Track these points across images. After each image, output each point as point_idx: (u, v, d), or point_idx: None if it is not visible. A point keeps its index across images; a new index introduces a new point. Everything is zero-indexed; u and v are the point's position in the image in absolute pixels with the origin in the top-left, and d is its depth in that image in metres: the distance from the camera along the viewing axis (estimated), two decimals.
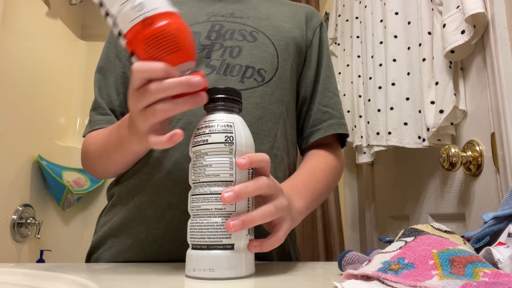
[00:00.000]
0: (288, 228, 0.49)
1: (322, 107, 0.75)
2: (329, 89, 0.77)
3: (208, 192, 0.44)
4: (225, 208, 0.43)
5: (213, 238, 0.42)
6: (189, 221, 0.45)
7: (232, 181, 0.44)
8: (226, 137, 0.44)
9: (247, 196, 0.44)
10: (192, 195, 0.45)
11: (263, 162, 0.45)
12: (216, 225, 0.43)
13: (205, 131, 0.45)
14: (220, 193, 0.43)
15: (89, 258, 0.71)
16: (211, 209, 0.43)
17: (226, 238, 0.42)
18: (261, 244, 0.45)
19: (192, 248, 0.44)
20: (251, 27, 0.72)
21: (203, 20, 0.72)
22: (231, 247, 0.42)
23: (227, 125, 0.45)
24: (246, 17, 0.73)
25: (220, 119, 0.45)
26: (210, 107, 0.47)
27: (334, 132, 0.73)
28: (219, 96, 0.47)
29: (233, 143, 0.44)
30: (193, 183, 0.46)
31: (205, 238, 0.43)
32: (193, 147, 0.46)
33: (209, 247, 0.42)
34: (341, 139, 0.77)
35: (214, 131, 0.45)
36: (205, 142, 0.45)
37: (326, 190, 0.70)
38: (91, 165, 0.70)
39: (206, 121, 0.46)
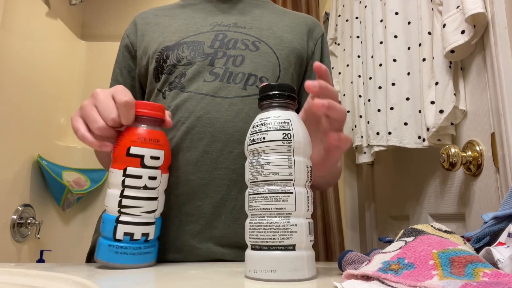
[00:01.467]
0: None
1: None
2: None
3: (267, 191, 0.42)
4: (285, 208, 0.42)
5: (274, 238, 0.41)
6: (248, 221, 0.45)
7: (291, 180, 0.43)
8: (284, 135, 0.43)
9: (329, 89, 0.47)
10: (250, 194, 0.44)
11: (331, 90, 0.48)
12: (277, 225, 0.41)
13: (261, 129, 0.44)
14: (279, 192, 0.42)
15: (90, 258, 0.72)
16: (271, 208, 0.42)
17: (287, 238, 0.41)
18: (339, 138, 0.48)
19: (252, 249, 0.43)
20: (253, 37, 0.74)
21: (207, 30, 0.74)
22: (292, 248, 0.41)
23: (284, 122, 0.44)
24: (249, 27, 0.75)
25: (276, 116, 0.44)
26: (265, 104, 0.46)
27: None
28: (274, 92, 0.45)
29: (291, 140, 0.43)
30: (251, 182, 0.45)
31: (265, 238, 0.42)
32: (249, 145, 0.45)
33: (270, 247, 0.41)
34: None
35: (271, 129, 0.43)
36: (262, 140, 0.44)
37: (334, 174, 0.72)
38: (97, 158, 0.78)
39: (262, 119, 0.45)
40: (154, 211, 0.53)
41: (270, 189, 0.42)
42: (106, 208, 0.53)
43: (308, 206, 0.44)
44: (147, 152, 0.52)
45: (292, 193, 0.42)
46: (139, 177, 0.52)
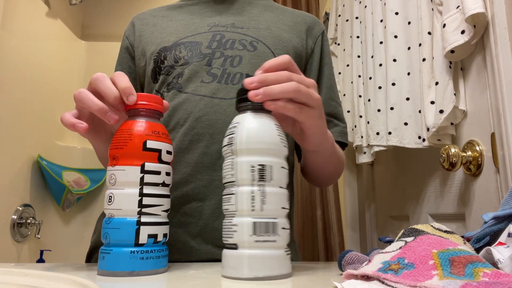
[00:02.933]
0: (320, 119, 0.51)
1: (326, 116, 0.76)
2: (333, 99, 0.79)
3: (223, 194, 0.47)
4: (228, 209, 0.45)
5: (224, 237, 0.45)
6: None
7: (234, 181, 0.44)
8: (229, 139, 0.46)
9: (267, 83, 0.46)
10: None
11: (282, 64, 0.48)
12: (224, 225, 0.46)
13: (225, 135, 0.48)
14: (225, 194, 0.46)
15: (89, 259, 0.72)
16: (224, 210, 0.46)
17: (230, 237, 0.44)
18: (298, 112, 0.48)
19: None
20: (251, 37, 0.73)
21: (205, 30, 0.74)
22: (234, 246, 0.44)
23: (233, 126, 0.46)
24: (247, 28, 0.74)
25: (232, 121, 0.47)
26: (238, 108, 0.49)
27: (336, 138, 0.75)
28: (240, 97, 0.48)
29: (233, 143, 0.45)
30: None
31: (223, 237, 0.46)
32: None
33: (223, 246, 0.46)
34: (342, 145, 0.79)
35: (226, 134, 0.47)
36: (223, 145, 0.48)
37: (336, 162, 0.71)
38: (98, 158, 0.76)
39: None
40: (168, 210, 0.51)
41: (224, 192, 0.47)
42: (117, 212, 0.47)
43: (253, 206, 0.43)
44: (163, 146, 0.49)
45: (233, 194, 0.45)
46: (158, 173, 0.48)
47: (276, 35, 0.74)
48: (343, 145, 0.79)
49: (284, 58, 0.49)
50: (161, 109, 0.51)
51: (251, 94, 0.45)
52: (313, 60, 0.78)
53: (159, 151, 0.49)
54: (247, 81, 0.45)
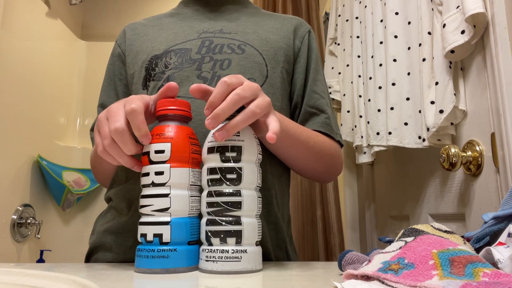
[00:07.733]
0: (276, 118, 0.52)
1: (308, 108, 0.77)
2: (315, 91, 0.78)
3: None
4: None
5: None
6: None
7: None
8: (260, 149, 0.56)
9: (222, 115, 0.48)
10: None
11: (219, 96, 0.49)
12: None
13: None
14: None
15: (88, 260, 0.72)
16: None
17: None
18: (268, 135, 0.49)
19: None
20: (239, 41, 0.75)
21: (194, 37, 0.76)
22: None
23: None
24: (235, 32, 0.76)
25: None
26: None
27: (317, 129, 0.74)
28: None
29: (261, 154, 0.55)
30: None
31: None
32: None
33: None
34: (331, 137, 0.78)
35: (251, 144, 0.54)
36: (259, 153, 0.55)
37: (312, 145, 0.69)
38: (93, 171, 0.80)
39: None
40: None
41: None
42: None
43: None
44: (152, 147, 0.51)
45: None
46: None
47: (263, 38, 0.76)
48: (333, 138, 0.76)
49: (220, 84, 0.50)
50: (189, 114, 0.55)
51: (216, 137, 0.48)
52: (301, 58, 0.80)
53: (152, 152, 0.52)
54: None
